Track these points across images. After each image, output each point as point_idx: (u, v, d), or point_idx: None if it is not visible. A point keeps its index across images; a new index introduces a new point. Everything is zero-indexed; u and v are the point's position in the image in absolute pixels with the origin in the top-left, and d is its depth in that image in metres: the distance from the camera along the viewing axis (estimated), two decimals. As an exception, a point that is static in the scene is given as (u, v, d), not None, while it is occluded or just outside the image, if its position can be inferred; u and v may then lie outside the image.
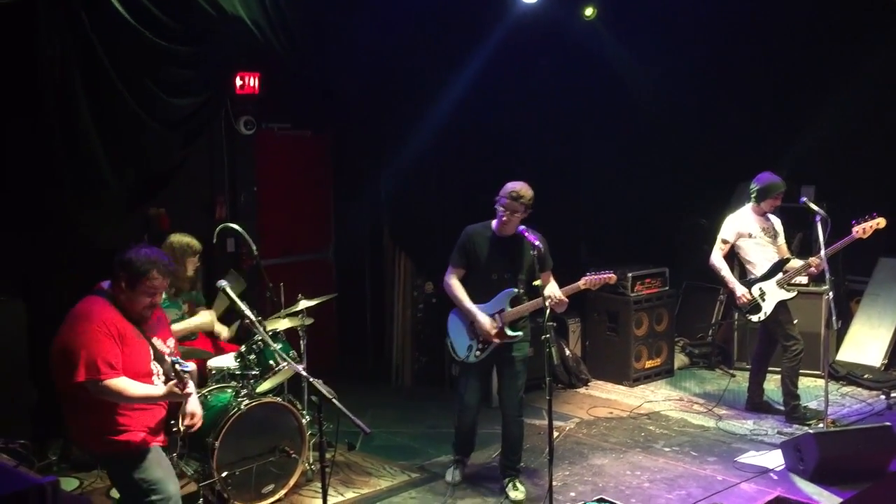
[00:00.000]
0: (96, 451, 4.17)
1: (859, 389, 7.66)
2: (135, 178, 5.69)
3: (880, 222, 6.40)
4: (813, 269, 6.58)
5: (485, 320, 5.37)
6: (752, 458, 6.11)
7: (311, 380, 4.04)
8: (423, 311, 7.97)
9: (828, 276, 6.39)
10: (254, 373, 5.32)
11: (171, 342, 4.24)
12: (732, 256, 7.07)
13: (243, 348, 5.40)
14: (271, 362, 5.32)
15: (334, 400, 3.87)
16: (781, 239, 6.91)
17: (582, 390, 7.87)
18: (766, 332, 6.99)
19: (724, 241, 6.90)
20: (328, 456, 4.30)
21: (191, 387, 4.02)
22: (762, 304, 6.74)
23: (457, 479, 5.72)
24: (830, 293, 6.38)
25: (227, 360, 5.54)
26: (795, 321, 6.83)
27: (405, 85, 7.39)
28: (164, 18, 5.42)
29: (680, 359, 8.60)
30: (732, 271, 6.99)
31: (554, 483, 4.95)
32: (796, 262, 6.72)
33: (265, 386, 5.40)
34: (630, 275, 7.87)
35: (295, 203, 8.07)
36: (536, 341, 5.51)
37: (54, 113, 5.23)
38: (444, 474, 5.79)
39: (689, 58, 8.36)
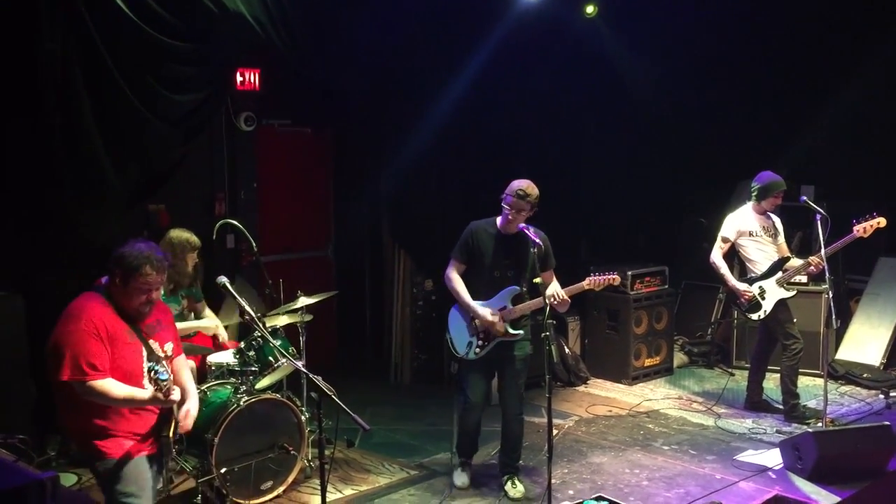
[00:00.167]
0: (80, 450, 4.09)
1: (858, 388, 7.67)
2: (136, 175, 5.69)
3: (881, 221, 6.41)
4: (813, 268, 6.59)
5: (485, 311, 5.34)
6: (750, 456, 6.11)
7: (310, 376, 4.03)
8: (422, 308, 7.97)
9: (827, 275, 6.41)
10: (253, 369, 5.31)
11: (169, 346, 4.11)
12: (732, 255, 7.08)
13: (243, 344, 5.39)
14: (270, 359, 5.31)
15: (333, 397, 3.86)
16: (781, 238, 6.92)
17: (581, 388, 7.87)
18: (766, 330, 7.00)
19: (725, 240, 6.90)
20: (327, 453, 4.28)
21: (176, 393, 3.84)
22: (762, 302, 6.75)
23: (465, 482, 5.59)
24: (830, 292, 6.40)
25: (227, 357, 5.54)
26: (795, 320, 6.84)
27: (405, 84, 7.38)
28: (165, 15, 5.42)
29: (679, 357, 8.60)
30: (732, 270, 7.00)
31: (553, 481, 4.94)
32: (796, 261, 6.73)
33: (264, 382, 5.39)
34: (630, 273, 7.86)
35: (295, 200, 8.07)
36: (536, 339, 5.49)
37: (55, 112, 5.22)
38: (442, 471, 5.78)
39: (690, 57, 8.37)
